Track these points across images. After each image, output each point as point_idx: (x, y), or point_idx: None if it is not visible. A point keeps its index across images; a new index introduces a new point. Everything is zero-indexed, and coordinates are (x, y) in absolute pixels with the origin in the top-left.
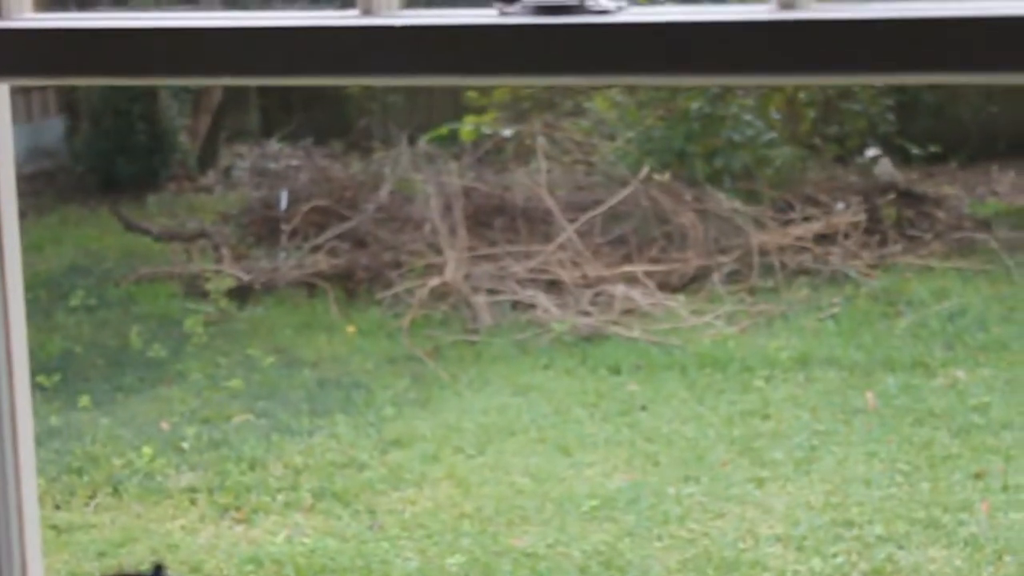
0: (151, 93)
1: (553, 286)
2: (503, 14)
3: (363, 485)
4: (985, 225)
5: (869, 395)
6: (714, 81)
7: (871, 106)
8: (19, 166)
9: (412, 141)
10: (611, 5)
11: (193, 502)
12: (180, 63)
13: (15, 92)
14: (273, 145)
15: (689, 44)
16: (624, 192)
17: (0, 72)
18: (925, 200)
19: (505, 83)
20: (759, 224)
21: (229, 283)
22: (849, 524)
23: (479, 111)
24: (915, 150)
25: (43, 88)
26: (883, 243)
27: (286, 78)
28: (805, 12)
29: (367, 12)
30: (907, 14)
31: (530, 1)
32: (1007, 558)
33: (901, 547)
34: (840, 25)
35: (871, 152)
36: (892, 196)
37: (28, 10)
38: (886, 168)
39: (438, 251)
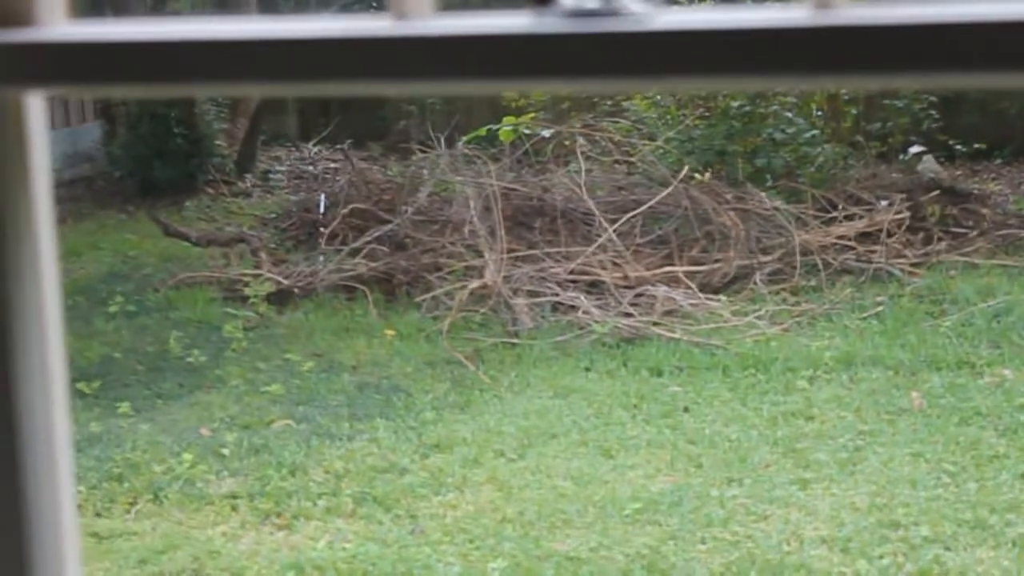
0: (188, 98)
1: (594, 287)
2: (537, 20)
3: (404, 490)
4: None
5: (914, 395)
6: (748, 85)
7: (914, 103)
8: (57, 172)
9: (450, 143)
10: (642, 8)
11: (234, 508)
12: (212, 73)
13: (52, 98)
14: (311, 148)
15: (723, 48)
16: (664, 192)
17: (34, 82)
18: (969, 197)
19: (539, 89)
20: (801, 223)
21: (268, 287)
22: (895, 525)
23: (518, 112)
24: (959, 147)
25: None
26: (927, 241)
27: (315, 86)
28: (843, 16)
29: (401, 18)
30: (945, 18)
31: (563, 7)
32: None
33: (948, 548)
34: (879, 29)
35: (914, 149)
36: (936, 193)
37: (62, 19)
38: (930, 165)
39: (477, 253)
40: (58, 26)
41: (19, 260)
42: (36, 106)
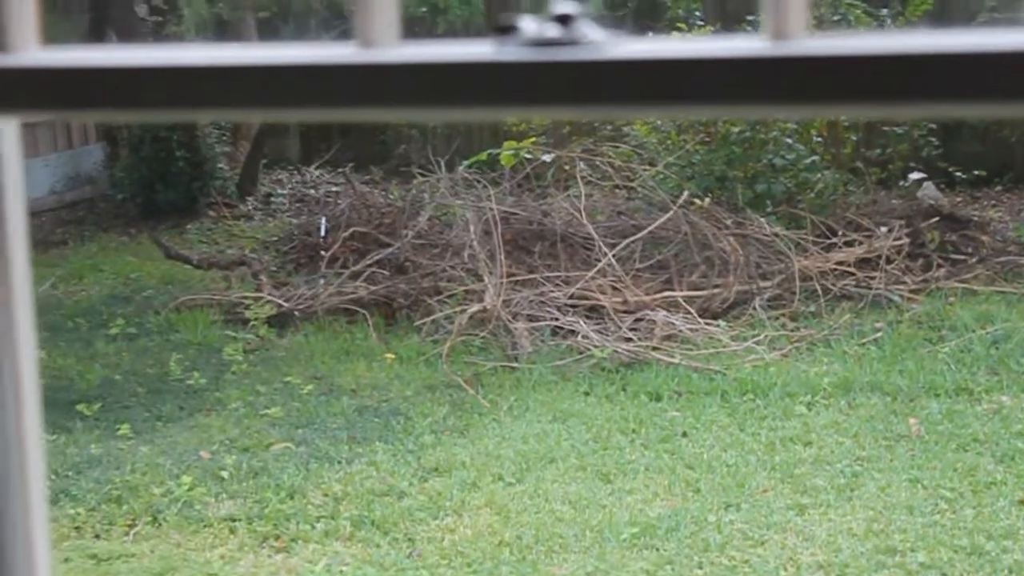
0: (190, 120)
1: (593, 312)
2: (499, 48)
3: (402, 513)
4: None
5: (912, 421)
6: (707, 114)
7: (914, 129)
8: (59, 194)
9: (451, 167)
10: (601, 38)
11: (232, 531)
12: (179, 99)
13: (53, 120)
14: (312, 172)
15: (682, 77)
16: (664, 217)
17: (5, 107)
18: (969, 224)
19: (501, 116)
20: (801, 249)
21: (268, 310)
22: (892, 551)
23: (519, 137)
24: (959, 173)
25: None
26: (926, 267)
27: (281, 112)
28: (801, 47)
29: (366, 45)
30: (902, 49)
31: (524, 35)
32: None
33: (945, 575)
34: (836, 59)
35: (914, 176)
36: (935, 220)
37: (34, 45)
38: (930, 192)
39: (477, 277)
40: (29, 52)
41: None
42: (9, 131)
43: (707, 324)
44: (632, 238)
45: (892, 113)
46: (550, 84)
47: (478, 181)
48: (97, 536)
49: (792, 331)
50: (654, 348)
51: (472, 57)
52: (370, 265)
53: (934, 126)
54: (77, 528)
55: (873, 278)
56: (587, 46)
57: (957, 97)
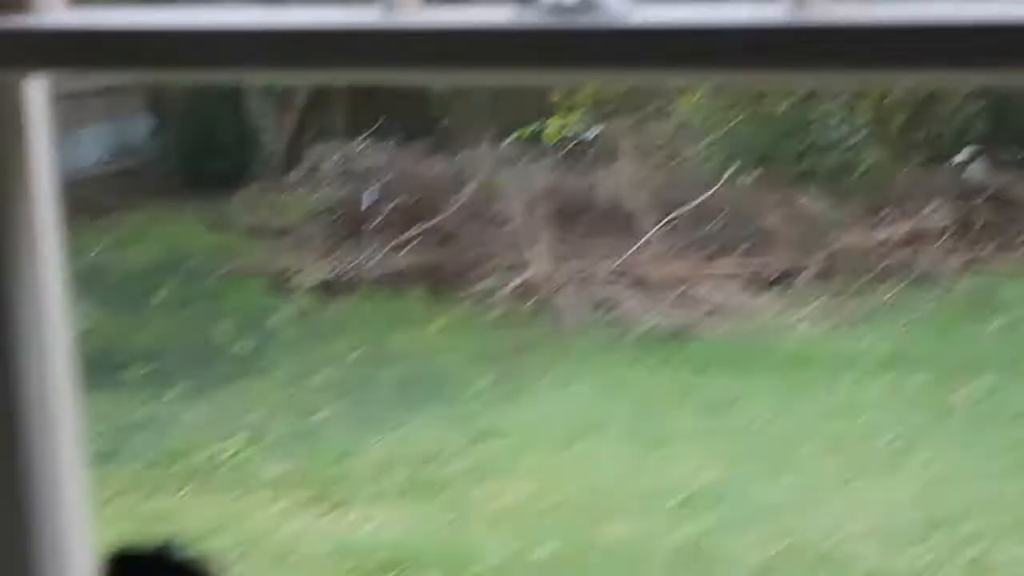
0: (237, 91)
1: (639, 284)
2: (519, 13)
3: (450, 478)
4: None
5: (959, 395)
6: (724, 80)
7: (962, 108)
8: (105, 164)
9: (497, 140)
10: (619, 4)
11: (281, 493)
12: (208, 60)
13: (101, 91)
14: (359, 143)
15: (698, 44)
16: (710, 191)
17: (31, 66)
18: (1017, 202)
19: (519, 80)
20: (847, 225)
21: (315, 279)
22: (939, 522)
23: (564, 111)
24: (1008, 153)
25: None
26: (973, 245)
27: (307, 74)
28: (818, 14)
29: (389, 9)
30: (914, 19)
31: (544, 2)
32: None
33: (992, 545)
34: (852, 27)
35: (962, 154)
36: (983, 198)
37: (59, 6)
38: (978, 170)
39: (523, 249)
40: (55, 12)
41: (16, 249)
42: (37, 94)
43: (752, 297)
44: (678, 212)
45: (910, 81)
46: (568, 48)
47: (524, 155)
48: (147, 496)
49: (838, 306)
50: (700, 321)
51: (491, 22)
52: (416, 236)
53: (983, 104)
54: (127, 489)
55: (920, 255)
56: (605, 11)
57: (973, 64)
